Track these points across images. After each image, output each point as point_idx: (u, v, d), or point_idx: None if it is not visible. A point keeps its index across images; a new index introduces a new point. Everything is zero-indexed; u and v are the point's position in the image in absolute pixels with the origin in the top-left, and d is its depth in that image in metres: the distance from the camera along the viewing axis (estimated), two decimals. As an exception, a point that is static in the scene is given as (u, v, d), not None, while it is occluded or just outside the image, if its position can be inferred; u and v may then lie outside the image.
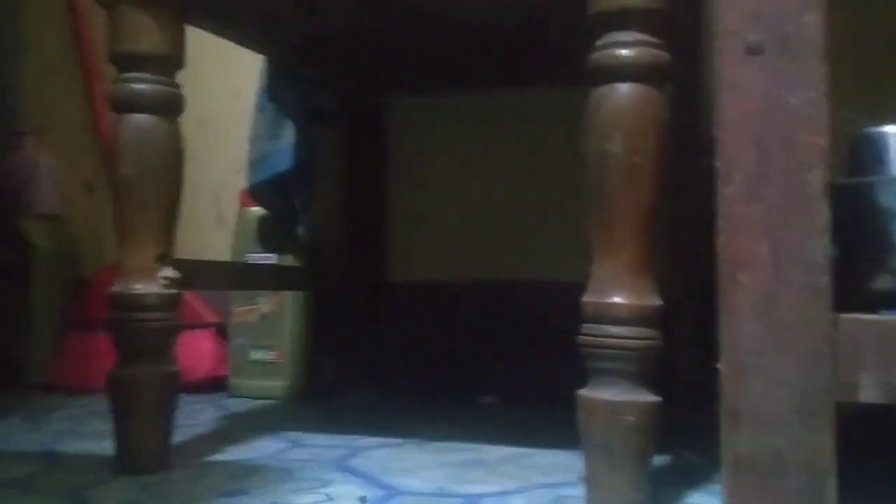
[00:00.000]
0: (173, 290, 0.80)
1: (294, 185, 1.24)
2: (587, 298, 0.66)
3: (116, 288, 0.79)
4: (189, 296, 1.41)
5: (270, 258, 1.31)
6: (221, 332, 1.39)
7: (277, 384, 1.30)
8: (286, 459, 0.85)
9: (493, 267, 1.30)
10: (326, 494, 0.71)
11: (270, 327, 1.31)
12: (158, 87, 0.79)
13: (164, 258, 0.80)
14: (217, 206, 1.46)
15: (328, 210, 1.33)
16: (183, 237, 1.46)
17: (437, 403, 1.21)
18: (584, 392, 0.66)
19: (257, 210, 1.31)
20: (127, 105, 0.79)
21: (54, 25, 1.54)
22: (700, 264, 1.01)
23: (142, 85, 0.79)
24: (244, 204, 1.34)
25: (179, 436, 0.87)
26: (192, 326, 1.37)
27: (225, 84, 1.42)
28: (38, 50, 1.56)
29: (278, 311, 1.31)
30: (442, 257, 1.32)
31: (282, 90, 1.18)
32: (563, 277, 1.24)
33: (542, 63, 1.12)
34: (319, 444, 0.92)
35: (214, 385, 1.32)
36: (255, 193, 1.25)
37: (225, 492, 0.72)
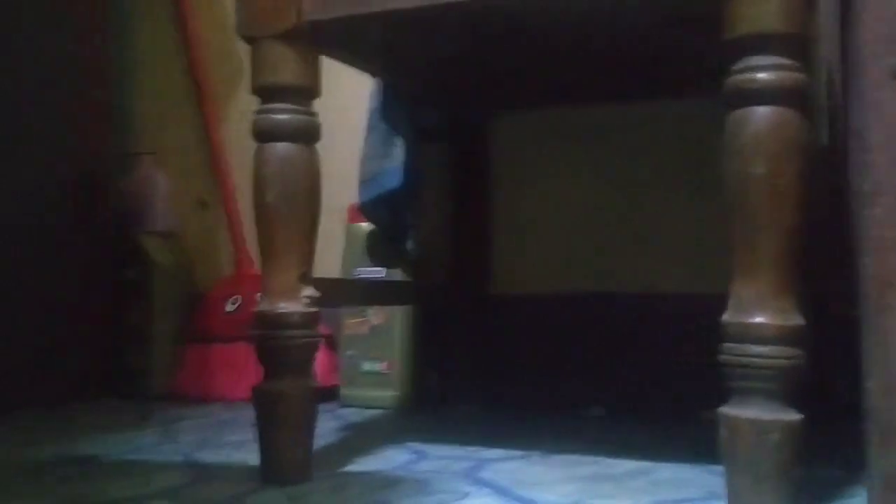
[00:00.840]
0: (314, 309, 0.84)
1: (403, 201, 1.28)
2: (729, 318, 0.67)
3: (262, 307, 0.83)
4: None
5: (379, 272, 1.35)
6: (330, 343, 1.43)
7: (387, 394, 1.34)
8: (417, 471, 0.88)
9: (595, 280, 1.31)
10: (468, 507, 0.74)
11: (380, 339, 1.35)
12: (298, 117, 0.83)
13: (306, 278, 0.84)
14: (326, 222, 1.50)
15: (434, 225, 1.36)
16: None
17: (544, 415, 1.23)
18: (727, 410, 0.67)
19: (366, 225, 1.35)
20: (269, 135, 0.83)
21: (167, 50, 1.62)
22: (811, 279, 1.02)
23: (283, 115, 0.83)
24: (352, 219, 1.39)
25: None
26: (303, 338, 1.42)
27: (332, 102, 1.45)
28: (153, 74, 1.64)
29: (387, 323, 1.35)
30: (545, 270, 1.34)
31: (393, 110, 1.21)
32: (667, 290, 1.27)
33: (647, 78, 1.14)
34: (444, 456, 0.95)
35: (326, 395, 1.37)
36: (366, 211, 1.29)
37: (372, 502, 0.75)
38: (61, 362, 1.37)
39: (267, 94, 0.84)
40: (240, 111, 1.58)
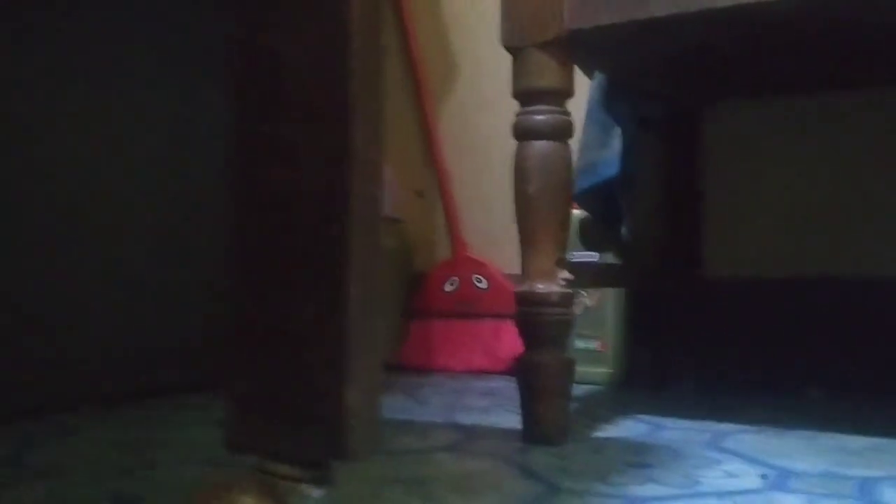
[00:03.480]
0: (569, 290, 0.93)
1: (618, 189, 1.35)
2: None
3: (523, 287, 0.94)
4: (513, 288, 1.57)
5: (592, 257, 1.43)
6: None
7: (600, 371, 1.42)
8: (661, 439, 0.96)
9: (810, 263, 1.34)
10: (726, 471, 0.81)
11: (594, 319, 1.43)
12: (555, 117, 0.93)
13: (562, 262, 0.94)
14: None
15: (648, 211, 1.43)
16: (504, 241, 1.62)
17: (760, 394, 1.27)
18: None
19: (578, 212, 1.43)
20: (530, 133, 0.93)
21: (389, 50, 1.76)
22: None
23: (542, 116, 0.93)
24: (565, 206, 1.47)
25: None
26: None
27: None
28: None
29: (601, 304, 1.43)
30: (757, 254, 1.38)
31: (616, 102, 1.28)
32: (885, 274, 1.27)
33: (869, 65, 1.15)
34: (680, 428, 1.03)
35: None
36: (582, 199, 1.37)
37: (632, 463, 0.84)
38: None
39: (527, 97, 0.93)
40: (455, 106, 1.70)
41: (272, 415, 0.47)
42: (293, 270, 0.46)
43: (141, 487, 0.75)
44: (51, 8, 1.09)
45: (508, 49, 0.94)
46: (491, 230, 1.65)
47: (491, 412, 1.12)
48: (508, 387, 1.36)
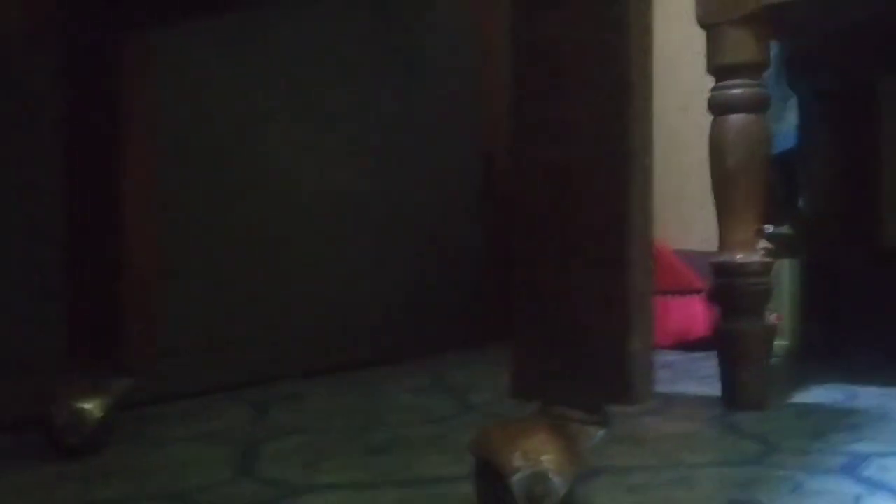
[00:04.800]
0: (768, 259, 0.96)
1: (795, 161, 1.35)
2: None
3: (722, 258, 0.96)
4: (679, 264, 1.58)
5: (767, 228, 1.43)
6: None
7: (777, 343, 1.42)
8: (862, 405, 0.97)
9: None
10: (942, 434, 0.82)
11: (769, 292, 1.43)
12: (752, 90, 0.95)
13: (761, 232, 0.96)
14: (701, 187, 1.61)
15: (824, 182, 1.41)
16: (670, 217, 1.63)
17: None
18: None
19: (749, 185, 1.44)
20: (727, 108, 0.95)
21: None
22: None
23: (739, 90, 0.95)
24: (735, 180, 1.47)
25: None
26: (685, 292, 1.55)
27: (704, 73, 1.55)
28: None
29: (776, 275, 1.42)
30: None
31: (793, 74, 1.28)
32: None
33: None
34: (875, 395, 1.03)
35: (707, 344, 1.48)
36: (757, 171, 1.38)
37: (840, 426, 0.86)
38: (477, 311, 1.60)
39: (723, 72, 0.96)
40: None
41: (558, 364, 0.53)
42: (576, 236, 0.52)
43: (383, 442, 0.83)
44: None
45: (703, 26, 0.96)
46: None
47: (677, 382, 1.15)
48: (682, 360, 1.39)
